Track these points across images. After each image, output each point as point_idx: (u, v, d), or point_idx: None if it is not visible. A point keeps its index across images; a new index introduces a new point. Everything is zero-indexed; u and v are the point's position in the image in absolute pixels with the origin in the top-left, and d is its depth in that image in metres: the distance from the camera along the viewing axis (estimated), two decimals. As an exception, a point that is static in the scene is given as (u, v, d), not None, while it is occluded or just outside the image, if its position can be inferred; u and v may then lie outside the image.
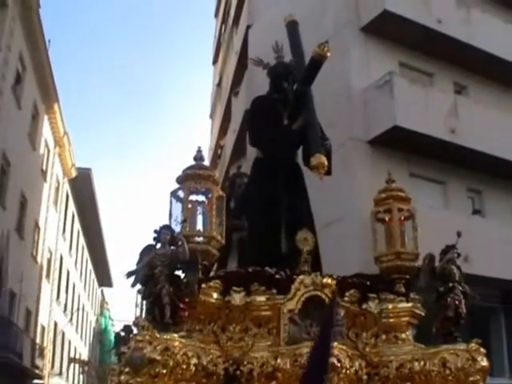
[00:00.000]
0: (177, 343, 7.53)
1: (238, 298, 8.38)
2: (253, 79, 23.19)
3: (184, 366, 7.52)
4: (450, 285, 8.71)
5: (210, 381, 7.90)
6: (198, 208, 9.01)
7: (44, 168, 32.69)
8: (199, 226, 8.96)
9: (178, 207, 8.98)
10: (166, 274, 7.85)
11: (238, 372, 8.05)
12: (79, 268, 47.94)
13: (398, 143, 19.08)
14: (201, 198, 9.04)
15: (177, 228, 8.53)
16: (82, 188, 40.63)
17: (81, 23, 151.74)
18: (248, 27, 27.36)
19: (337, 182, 17.17)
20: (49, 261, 34.72)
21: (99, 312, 64.30)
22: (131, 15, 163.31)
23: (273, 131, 10.26)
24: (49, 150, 33.60)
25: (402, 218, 9.82)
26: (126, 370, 7.64)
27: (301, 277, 8.44)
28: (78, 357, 31.70)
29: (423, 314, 9.18)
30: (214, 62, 42.69)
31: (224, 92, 34.48)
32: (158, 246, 8.14)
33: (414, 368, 8.52)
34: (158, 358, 7.31)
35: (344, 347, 8.09)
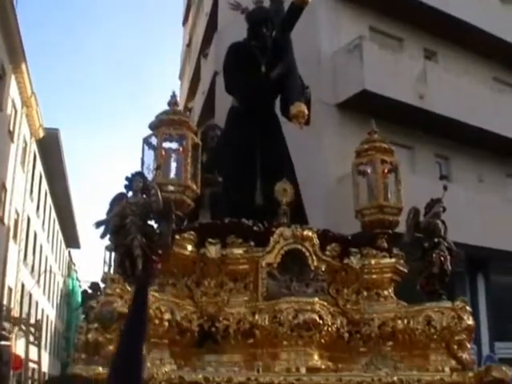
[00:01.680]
0: (149, 297, 6.75)
1: (213, 250, 7.68)
2: (222, 40, 22.49)
3: (156, 322, 6.79)
4: (436, 240, 8.05)
5: (184, 338, 7.22)
6: (172, 156, 8.20)
7: (11, 129, 31.64)
8: (173, 175, 8.14)
9: (150, 155, 8.18)
10: (137, 225, 7.10)
11: (214, 329, 7.42)
12: (46, 229, 47.03)
13: (367, 108, 18.41)
14: (175, 145, 8.23)
15: (149, 176, 7.74)
16: (50, 149, 39.39)
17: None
18: None
19: (303, 145, 16.72)
20: (16, 222, 33.78)
21: (67, 273, 63.53)
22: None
23: (250, 79, 9.53)
24: (16, 111, 32.54)
25: (385, 170, 9.09)
26: (95, 326, 6.91)
27: (280, 229, 7.72)
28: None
29: (406, 270, 8.51)
30: (184, 22, 42.02)
31: (193, 53, 33.90)
32: (130, 194, 7.37)
33: (397, 326, 7.90)
34: (129, 312, 6.56)
35: (325, 303, 7.43)
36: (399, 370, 7.49)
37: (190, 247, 7.65)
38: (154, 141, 8.20)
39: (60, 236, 56.31)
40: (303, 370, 6.88)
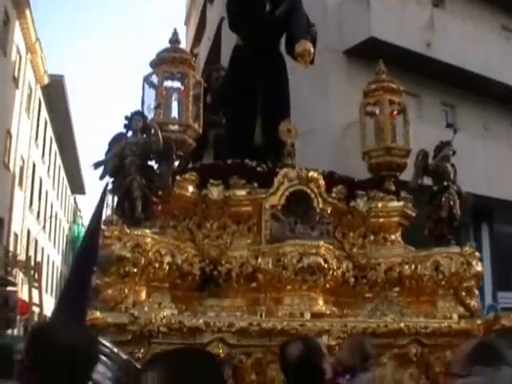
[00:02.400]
0: (149, 240, 6.49)
1: (215, 191, 7.35)
2: None
3: (156, 265, 6.51)
4: (445, 184, 7.70)
5: (185, 282, 6.93)
6: (174, 95, 7.83)
7: (16, 75, 30.89)
8: (174, 114, 7.76)
9: (151, 94, 7.80)
10: (137, 165, 6.76)
11: (216, 272, 7.10)
12: (52, 175, 46.46)
13: (374, 55, 17.50)
14: (176, 84, 7.84)
15: (150, 116, 7.37)
16: (55, 95, 38.39)
17: None
18: None
19: (311, 92, 16.33)
20: (21, 168, 33.18)
21: (72, 220, 63.23)
22: None
23: (254, 16, 9.05)
24: (20, 57, 31.65)
25: (394, 111, 8.70)
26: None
27: (285, 170, 7.37)
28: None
29: (414, 214, 8.15)
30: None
31: None
32: (129, 134, 7.01)
33: (404, 271, 7.60)
34: (128, 255, 6.30)
35: (331, 247, 7.12)
36: (406, 316, 7.20)
37: (191, 188, 7.32)
38: (154, 79, 7.82)
39: (65, 182, 55.59)
40: (307, 316, 6.60)
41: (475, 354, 3.04)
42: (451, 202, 7.64)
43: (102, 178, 6.94)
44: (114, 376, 3.56)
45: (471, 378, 2.95)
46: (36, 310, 25.32)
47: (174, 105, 7.83)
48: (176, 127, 7.58)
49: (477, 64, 20.16)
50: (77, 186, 58.05)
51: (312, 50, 8.60)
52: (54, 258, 48.68)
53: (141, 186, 6.63)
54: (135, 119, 6.98)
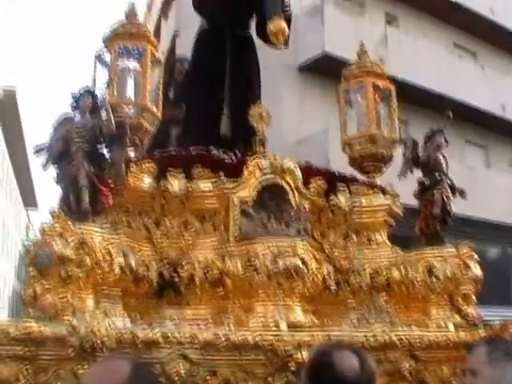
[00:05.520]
0: (97, 237, 5.44)
1: (176, 183, 6.29)
2: (182, 2, 21.99)
3: (106, 267, 5.45)
4: (438, 176, 6.77)
5: (140, 287, 5.89)
6: (129, 75, 6.78)
7: None
8: (130, 95, 6.72)
9: (104, 74, 6.77)
10: (84, 150, 5.72)
11: (176, 277, 6.04)
12: (4, 189, 46.16)
13: (327, 71, 18.02)
14: (133, 64, 6.80)
15: (101, 96, 6.31)
16: (7, 108, 38.19)
17: None
18: None
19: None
20: None
21: (25, 234, 62.59)
22: None
23: None
24: None
25: (377, 97, 7.78)
26: (31, 272, 5.54)
27: (256, 159, 6.35)
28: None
29: (401, 212, 7.20)
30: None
31: (154, 13, 32.67)
32: (77, 115, 5.95)
33: (393, 276, 6.63)
34: (72, 254, 5.22)
35: (309, 247, 6.13)
36: (396, 326, 6.22)
37: (148, 180, 6.28)
38: (107, 58, 6.79)
39: (18, 196, 55.41)
40: (283, 326, 5.57)
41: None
42: (444, 197, 6.74)
43: (44, 166, 5.89)
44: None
45: None
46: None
47: (131, 85, 6.78)
48: (131, 110, 6.55)
49: (428, 79, 20.58)
50: (29, 199, 57.88)
51: (287, 29, 7.63)
52: (5, 273, 48.04)
53: (89, 173, 5.61)
54: (84, 98, 5.96)
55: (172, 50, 23.26)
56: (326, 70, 18.16)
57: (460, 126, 22.01)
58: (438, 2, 22.94)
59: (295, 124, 17.85)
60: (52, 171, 5.91)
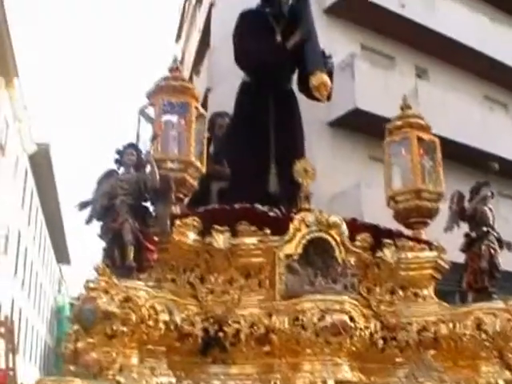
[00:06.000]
0: (142, 293, 5.36)
1: (221, 239, 6.21)
2: (214, 58, 23.01)
3: (151, 324, 5.35)
4: (484, 229, 6.65)
5: (185, 344, 5.78)
6: (173, 129, 6.80)
7: (2, 143, 31.01)
8: (174, 150, 6.72)
9: (148, 129, 6.79)
10: (129, 205, 5.66)
11: (221, 333, 5.93)
12: (37, 244, 46.74)
13: (359, 126, 18.46)
14: (176, 118, 6.82)
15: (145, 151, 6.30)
16: (41, 163, 38.77)
17: None
18: (211, 5, 26.31)
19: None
20: (6, 237, 33.08)
21: (57, 289, 62.90)
22: None
23: (263, 49, 8.10)
24: (8, 125, 31.93)
25: (422, 150, 7.71)
26: (75, 328, 5.49)
27: (301, 214, 6.27)
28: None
29: (448, 266, 7.07)
30: (177, 39, 41.04)
31: (186, 70, 33.14)
32: (121, 170, 5.93)
33: (441, 331, 6.45)
34: (117, 311, 5.13)
35: (356, 303, 6.00)
36: (444, 383, 6.11)
37: (193, 235, 6.21)
38: (151, 112, 6.81)
39: (51, 251, 55.81)
40: (331, 384, 5.42)
41: None
42: (492, 250, 6.61)
43: (88, 221, 5.84)
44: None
45: None
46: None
47: (175, 140, 6.80)
48: (175, 164, 6.56)
49: (459, 133, 20.26)
50: (62, 255, 58.39)
51: (329, 82, 7.64)
52: (38, 328, 48.48)
53: (133, 229, 5.53)
54: (128, 153, 5.91)
55: (204, 105, 23.38)
56: (356, 125, 18.38)
57: (492, 178, 21.94)
58: (467, 54, 22.92)
59: (327, 180, 17.31)
60: (87, 228, 5.88)
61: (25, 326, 39.97)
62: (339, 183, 18.22)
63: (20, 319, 37.78)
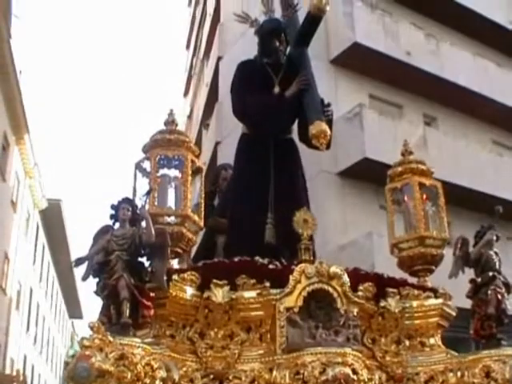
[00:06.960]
0: (138, 350, 5.25)
1: (220, 293, 6.10)
2: (222, 111, 22.95)
3: (147, 382, 5.24)
4: (490, 274, 6.52)
5: (185, 401, 5.62)
6: (170, 183, 6.75)
7: (14, 199, 31.15)
8: (171, 205, 6.66)
9: (144, 183, 6.73)
10: (124, 261, 5.59)
11: (222, 389, 5.78)
12: (49, 300, 46.82)
13: (368, 175, 17.94)
14: (173, 172, 6.78)
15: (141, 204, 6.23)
16: (53, 219, 38.92)
17: (52, 54, 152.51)
18: (219, 59, 26.23)
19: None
20: (18, 293, 33.19)
21: (70, 344, 62.55)
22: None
23: (261, 101, 8.04)
24: (19, 181, 32.11)
25: (424, 196, 7.62)
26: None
27: (301, 265, 6.16)
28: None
29: (455, 313, 6.91)
30: (185, 94, 41.25)
31: (194, 124, 33.63)
32: (116, 226, 5.87)
33: (449, 381, 6.31)
34: (111, 368, 5.02)
35: (360, 355, 5.89)
36: None
37: (191, 290, 6.11)
38: (147, 166, 6.76)
39: (63, 306, 55.76)
40: None
41: None
42: (499, 296, 6.47)
43: (84, 278, 5.77)
44: None
45: None
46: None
47: (171, 194, 6.73)
48: (172, 219, 6.49)
49: (467, 178, 20.17)
50: (74, 309, 58.48)
51: (328, 131, 7.59)
52: (50, 383, 48.15)
53: (129, 285, 5.46)
54: (123, 208, 5.86)
55: (213, 158, 23.44)
56: (366, 175, 18.12)
57: (501, 224, 21.68)
58: (475, 100, 22.79)
59: (337, 230, 17.64)
60: (95, 282, 5.79)
61: (37, 381, 39.98)
62: (349, 233, 18.13)
63: (32, 375, 37.77)
